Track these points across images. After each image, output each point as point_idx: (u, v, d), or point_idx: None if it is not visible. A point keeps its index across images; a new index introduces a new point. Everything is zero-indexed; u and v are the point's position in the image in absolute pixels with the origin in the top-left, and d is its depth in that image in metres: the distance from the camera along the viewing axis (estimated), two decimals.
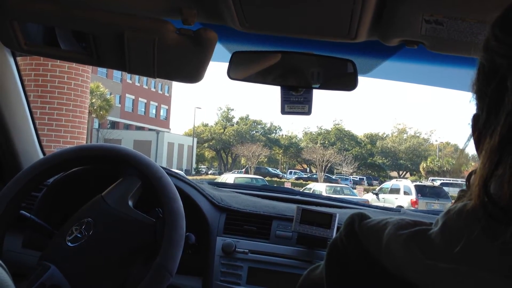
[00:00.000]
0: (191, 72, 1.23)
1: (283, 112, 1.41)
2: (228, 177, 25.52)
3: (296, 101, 1.40)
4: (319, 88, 1.41)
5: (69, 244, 1.26)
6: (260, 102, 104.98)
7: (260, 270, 1.54)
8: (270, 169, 46.53)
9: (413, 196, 18.31)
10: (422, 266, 0.50)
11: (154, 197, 1.31)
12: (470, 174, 0.56)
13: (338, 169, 43.63)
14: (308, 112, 1.42)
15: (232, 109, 69.50)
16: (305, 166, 53.76)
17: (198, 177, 33.90)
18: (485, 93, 0.53)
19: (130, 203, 1.32)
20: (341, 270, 0.57)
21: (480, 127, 0.54)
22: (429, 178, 35.84)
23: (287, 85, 1.40)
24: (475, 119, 0.56)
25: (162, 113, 52.70)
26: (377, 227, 0.57)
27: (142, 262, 1.32)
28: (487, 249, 0.48)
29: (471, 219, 0.50)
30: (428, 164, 42.82)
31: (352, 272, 0.55)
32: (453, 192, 22.29)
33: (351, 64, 1.35)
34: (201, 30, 1.11)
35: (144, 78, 43.94)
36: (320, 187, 23.53)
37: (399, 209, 2.02)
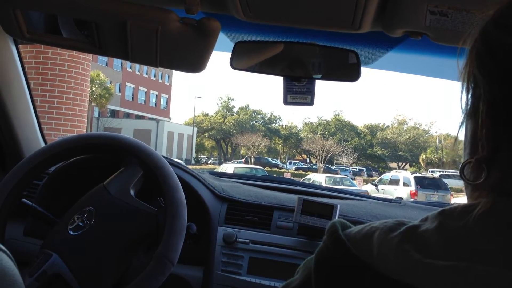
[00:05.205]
0: (194, 61, 1.23)
1: (286, 102, 1.41)
2: (228, 167, 25.47)
3: (298, 91, 1.40)
4: (322, 78, 1.40)
5: (71, 232, 1.26)
6: (261, 92, 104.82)
7: (261, 260, 1.54)
8: (269, 159, 46.59)
9: (412, 188, 18.35)
10: (419, 266, 0.49)
11: (156, 187, 1.31)
12: (463, 166, 0.55)
13: (337, 160, 43.67)
14: (310, 103, 1.42)
15: (233, 99, 69.67)
16: (305, 156, 53.81)
17: (198, 167, 33.93)
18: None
19: (131, 192, 1.32)
20: (331, 278, 0.55)
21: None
22: (429, 170, 35.93)
23: (290, 75, 1.39)
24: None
25: (162, 102, 52.55)
26: (363, 234, 0.56)
27: (144, 251, 1.33)
28: (493, 244, 0.48)
29: (485, 219, 0.49)
30: (427, 156, 42.89)
31: (344, 279, 0.54)
32: (453, 183, 22.32)
33: (354, 54, 1.34)
34: (204, 20, 1.11)
35: (145, 67, 43.82)
36: (319, 178, 23.59)
37: (399, 200, 2.01)
